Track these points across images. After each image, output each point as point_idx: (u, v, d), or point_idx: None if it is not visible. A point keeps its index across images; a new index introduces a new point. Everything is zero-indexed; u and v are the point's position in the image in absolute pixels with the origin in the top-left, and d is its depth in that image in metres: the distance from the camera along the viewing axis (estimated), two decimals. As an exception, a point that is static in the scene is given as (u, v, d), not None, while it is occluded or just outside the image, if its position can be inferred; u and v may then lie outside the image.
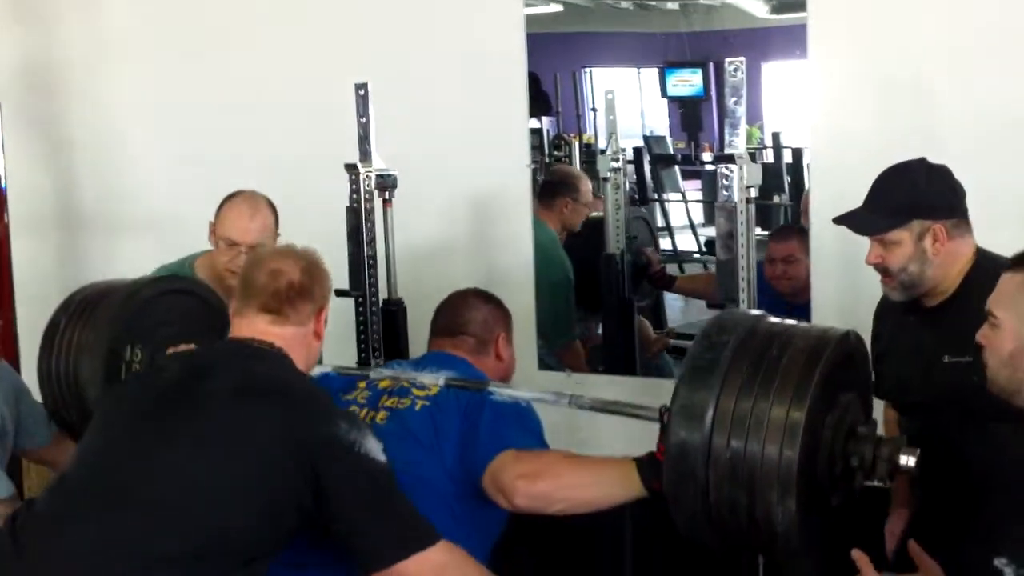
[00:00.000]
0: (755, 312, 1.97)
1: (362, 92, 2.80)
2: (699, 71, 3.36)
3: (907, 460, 1.80)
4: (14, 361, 3.67)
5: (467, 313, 2.42)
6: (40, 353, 2.36)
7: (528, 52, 3.26)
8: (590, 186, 3.43)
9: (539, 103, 3.41)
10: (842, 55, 2.85)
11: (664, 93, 3.48)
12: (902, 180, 2.17)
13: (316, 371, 2.21)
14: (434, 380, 2.19)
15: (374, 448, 1.92)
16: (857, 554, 1.81)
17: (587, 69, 3.52)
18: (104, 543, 1.80)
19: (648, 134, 3.54)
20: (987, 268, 2.03)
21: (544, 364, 3.30)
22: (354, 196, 2.77)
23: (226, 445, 1.87)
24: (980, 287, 1.88)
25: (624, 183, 3.29)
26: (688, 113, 3.51)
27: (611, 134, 3.28)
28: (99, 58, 3.76)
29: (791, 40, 2.91)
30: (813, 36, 2.84)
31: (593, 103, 3.50)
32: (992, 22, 2.73)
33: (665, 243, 3.81)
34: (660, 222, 3.73)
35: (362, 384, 2.30)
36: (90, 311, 2.34)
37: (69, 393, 2.31)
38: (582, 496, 2.06)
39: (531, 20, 3.28)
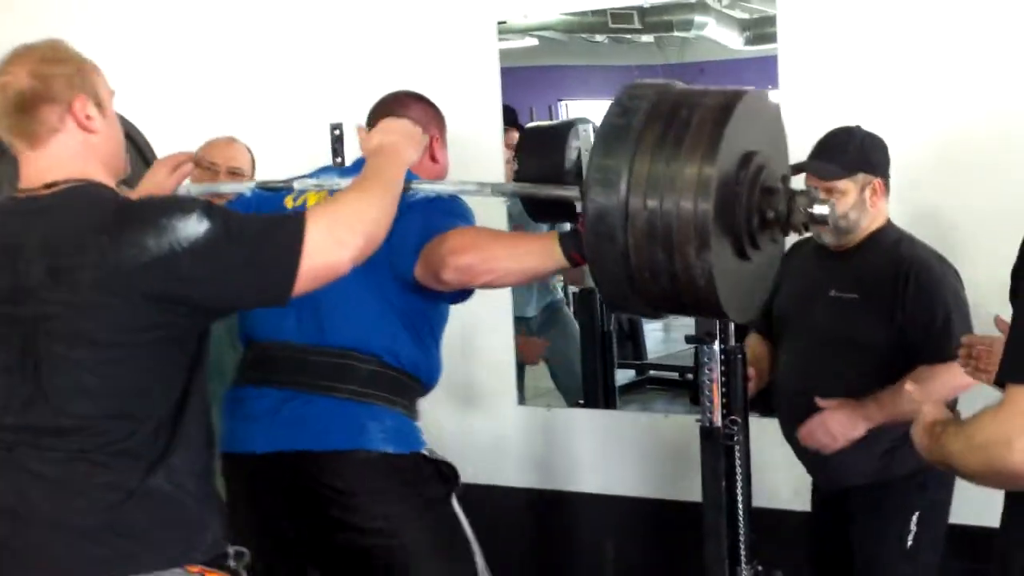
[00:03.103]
0: (667, 81, 1.93)
1: (337, 132, 2.79)
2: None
3: (821, 210, 1.85)
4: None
5: (399, 111, 2.31)
6: None
7: (504, 86, 3.28)
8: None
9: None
10: (812, 85, 2.87)
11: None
12: (850, 138, 2.46)
13: (242, 187, 2.18)
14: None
15: (189, 228, 1.76)
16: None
17: (563, 102, 3.53)
18: (48, 474, 1.77)
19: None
20: (893, 231, 2.48)
21: (522, 399, 3.30)
22: (331, 234, 2.76)
23: (85, 336, 1.76)
24: (884, 242, 2.31)
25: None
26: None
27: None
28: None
29: (764, 71, 2.93)
30: (784, 67, 2.87)
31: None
32: (961, 51, 2.77)
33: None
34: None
35: (290, 202, 2.24)
36: None
37: None
38: (506, 266, 2.10)
39: (506, 54, 3.29)
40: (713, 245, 1.72)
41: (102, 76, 1.89)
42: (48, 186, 1.83)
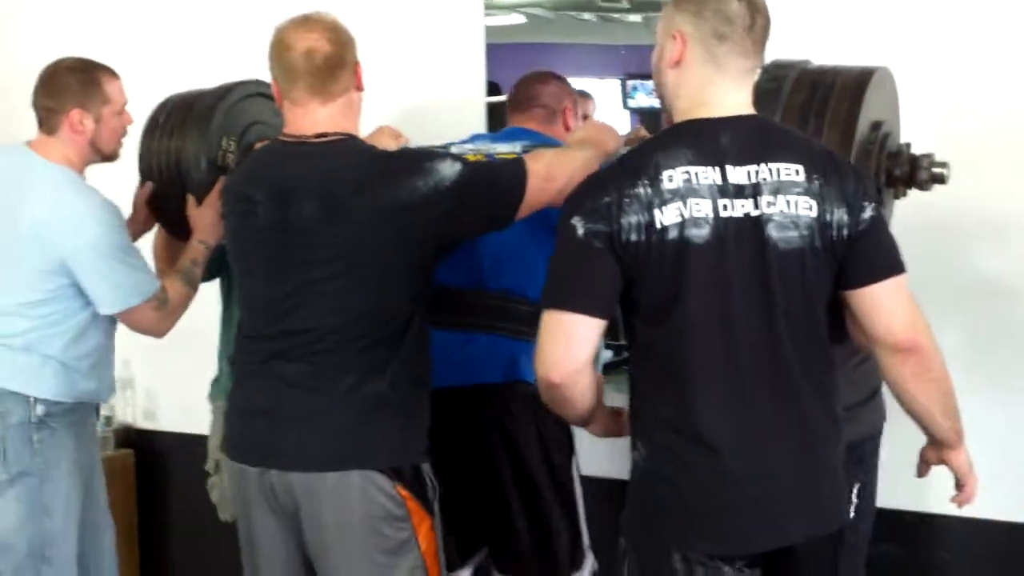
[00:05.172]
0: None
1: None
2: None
3: (941, 169, 2.17)
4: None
5: (537, 87, 2.76)
6: (141, 146, 2.67)
7: (489, 62, 3.25)
8: None
9: (501, 113, 3.38)
10: (791, 46, 2.83)
11: (626, 104, 3.46)
12: None
13: None
14: (511, 148, 2.42)
15: (448, 170, 2.12)
16: None
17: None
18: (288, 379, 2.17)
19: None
20: None
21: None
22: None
23: (350, 263, 2.11)
24: None
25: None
26: (651, 125, 3.50)
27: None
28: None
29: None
30: (771, 46, 2.83)
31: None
32: (976, 30, 2.75)
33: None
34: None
35: None
36: (187, 108, 2.64)
37: (170, 178, 2.64)
38: None
39: (492, 31, 3.26)
40: None
41: None
42: (319, 136, 2.15)
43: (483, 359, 2.50)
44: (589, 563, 2.58)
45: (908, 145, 2.22)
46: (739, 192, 1.85)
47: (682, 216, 1.83)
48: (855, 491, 2.40)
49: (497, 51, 3.28)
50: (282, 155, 2.22)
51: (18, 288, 2.61)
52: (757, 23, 1.89)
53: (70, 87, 2.66)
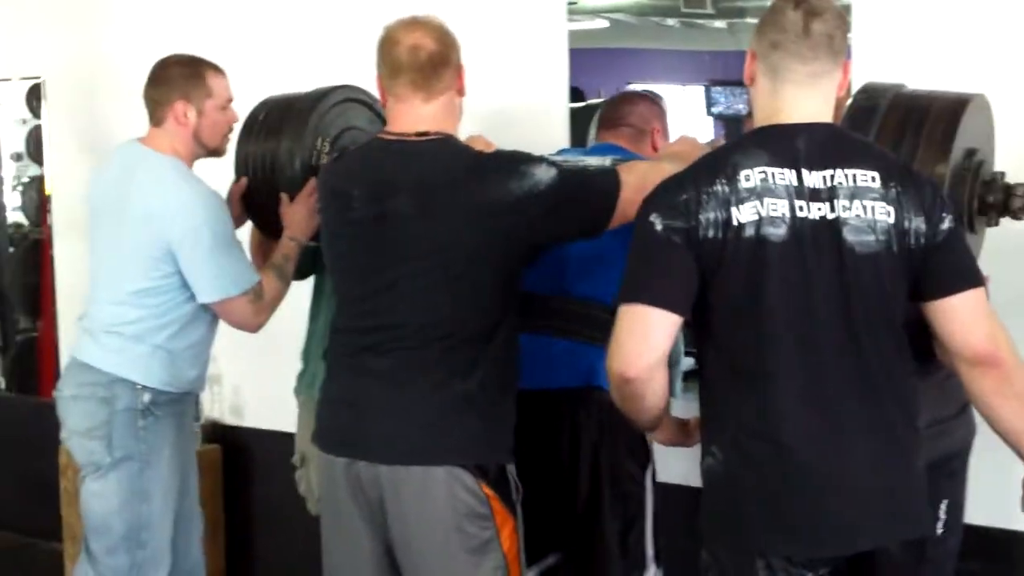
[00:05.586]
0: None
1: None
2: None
3: None
4: (55, 360, 3.71)
5: (625, 106, 2.76)
6: (238, 144, 2.74)
7: (572, 67, 3.27)
8: None
9: (584, 118, 3.39)
10: (886, 71, 2.80)
11: (710, 111, 3.45)
12: None
13: None
14: (601, 162, 2.43)
15: (542, 174, 2.15)
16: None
17: (631, 85, 3.50)
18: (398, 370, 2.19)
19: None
20: None
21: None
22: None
23: (443, 260, 2.13)
24: None
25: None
26: (734, 132, 3.48)
27: (654, 150, 3.26)
28: (145, 56, 3.82)
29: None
30: (858, 56, 2.81)
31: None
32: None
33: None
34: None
35: None
36: (285, 109, 2.70)
37: (264, 176, 2.70)
38: None
39: (576, 36, 3.28)
40: None
41: None
42: (420, 134, 2.19)
43: (562, 364, 2.50)
44: (651, 574, 2.56)
45: (1002, 174, 2.21)
46: (815, 195, 1.88)
47: (759, 214, 1.87)
48: (943, 507, 2.37)
49: (580, 56, 3.29)
50: (381, 152, 2.24)
51: (130, 277, 2.71)
52: (813, 27, 1.91)
53: (175, 80, 2.76)
